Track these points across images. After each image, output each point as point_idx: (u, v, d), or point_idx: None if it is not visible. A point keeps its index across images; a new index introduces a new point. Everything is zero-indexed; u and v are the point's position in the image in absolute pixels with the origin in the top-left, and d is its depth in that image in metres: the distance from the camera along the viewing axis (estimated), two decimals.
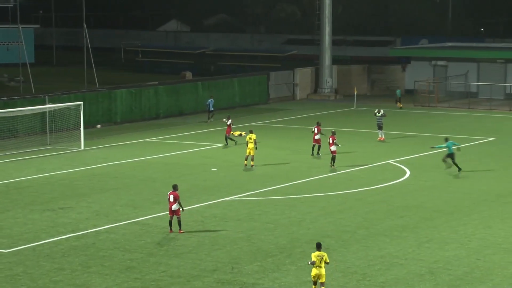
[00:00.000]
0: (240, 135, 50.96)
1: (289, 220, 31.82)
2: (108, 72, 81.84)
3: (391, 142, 49.67)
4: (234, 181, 38.63)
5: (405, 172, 40.53)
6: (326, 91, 72.16)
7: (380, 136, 49.59)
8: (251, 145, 41.60)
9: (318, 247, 23.33)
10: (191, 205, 33.74)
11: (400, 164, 42.52)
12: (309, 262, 23.25)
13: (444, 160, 40.52)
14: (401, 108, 64.48)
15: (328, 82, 72.25)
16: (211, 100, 58.52)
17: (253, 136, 41.94)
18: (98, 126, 53.57)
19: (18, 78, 72.87)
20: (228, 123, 47.83)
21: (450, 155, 40.23)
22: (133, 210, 33.20)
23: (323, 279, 23.14)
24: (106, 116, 56.63)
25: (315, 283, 23.26)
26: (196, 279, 25.08)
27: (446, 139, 41.00)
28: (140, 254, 27.35)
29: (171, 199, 29.70)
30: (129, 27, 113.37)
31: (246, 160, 41.90)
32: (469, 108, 64.92)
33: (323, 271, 23.07)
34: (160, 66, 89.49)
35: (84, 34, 67.09)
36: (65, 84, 72.13)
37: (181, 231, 29.85)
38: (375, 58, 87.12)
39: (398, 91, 66.53)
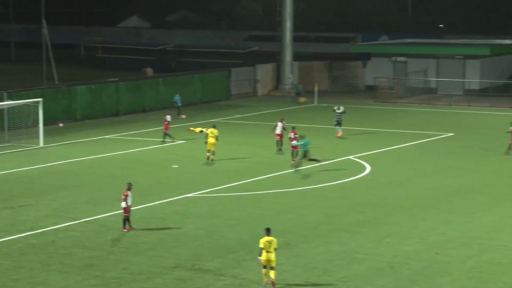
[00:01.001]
0: (201, 131, 50.85)
1: (250, 216, 31.81)
2: (68, 69, 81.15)
3: (352, 138, 49.90)
4: (196, 178, 38.52)
5: (365, 168, 40.74)
6: (287, 87, 72.27)
7: (338, 132, 49.66)
8: (212, 140, 41.70)
9: (267, 232, 23.87)
10: (152, 202, 33.59)
11: (361, 160, 42.74)
12: (259, 258, 23.89)
13: (298, 162, 39.80)
14: (303, 102, 64.76)
15: (289, 78, 72.37)
16: (178, 96, 58.27)
17: (215, 131, 42.01)
18: (61, 124, 53.00)
19: None
20: (169, 119, 47.58)
21: (305, 153, 39.71)
22: (93, 208, 32.97)
23: (273, 264, 23.71)
24: (66, 113, 56.14)
25: (265, 267, 23.80)
26: (157, 276, 24.97)
27: (302, 137, 40.39)
28: (100, 252, 27.16)
29: (123, 197, 29.59)
30: (90, 23, 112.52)
31: (208, 152, 42.04)
32: (428, 103, 65.47)
33: (272, 256, 23.64)
34: (121, 62, 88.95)
35: (43, 31, 66.46)
36: (24, 81, 71.37)
37: (125, 230, 29.51)
38: (337, 54, 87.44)
39: (299, 86, 67.03)
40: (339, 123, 49.61)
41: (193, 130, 50.74)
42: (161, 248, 27.58)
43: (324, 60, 78.73)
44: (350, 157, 43.66)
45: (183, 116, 56.81)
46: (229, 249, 27.39)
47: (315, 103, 65.07)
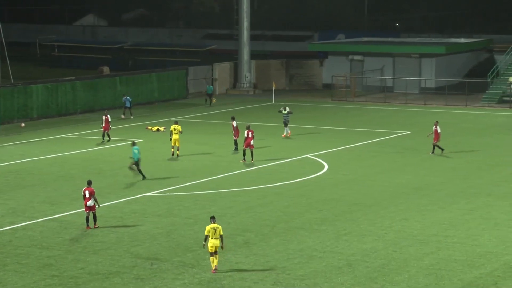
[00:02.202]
0: (158, 130, 50.73)
1: (209, 215, 31.61)
2: (24, 67, 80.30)
3: (309, 136, 50.11)
4: (154, 177, 38.39)
5: (323, 166, 40.96)
6: (245, 86, 72.33)
7: (285, 133, 49.46)
8: (175, 136, 42.47)
9: (212, 219, 25.13)
10: (110, 201, 33.41)
11: (319, 158, 42.96)
12: (204, 245, 25.16)
13: (130, 168, 37.81)
14: (214, 103, 63.72)
15: (247, 77, 72.43)
16: (127, 98, 57.33)
17: (178, 127, 42.81)
18: (22, 124, 52.37)
19: None
20: (107, 119, 47.13)
21: (136, 162, 37.41)
22: (50, 207, 32.70)
23: (215, 250, 24.94)
24: (22, 111, 55.57)
25: (212, 254, 24.86)
26: (115, 275, 24.87)
27: (133, 143, 38.13)
28: (58, 251, 26.97)
29: (87, 195, 29.46)
30: (45, 22, 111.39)
31: (173, 148, 42.64)
32: (385, 102, 66.01)
33: (218, 242, 24.88)
34: (78, 61, 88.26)
35: None
36: None
37: (96, 226, 29.59)
38: (294, 52, 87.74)
39: (209, 87, 64.98)
40: (286, 124, 49.49)
41: (150, 129, 50.61)
42: (119, 247, 27.46)
43: (281, 58, 78.94)
44: (308, 155, 43.85)
45: (122, 116, 56.45)
46: (188, 248, 27.37)
47: (273, 102, 65.21)
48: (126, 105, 57.21)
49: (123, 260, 26.17)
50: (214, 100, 64.46)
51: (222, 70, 72.65)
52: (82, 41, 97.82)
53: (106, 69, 76.33)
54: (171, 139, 42.75)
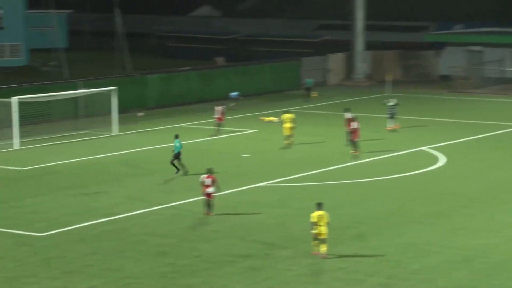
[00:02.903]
0: (270, 121, 50.91)
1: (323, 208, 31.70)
2: (141, 58, 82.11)
3: (423, 128, 49.32)
4: (267, 167, 38.62)
5: (438, 159, 40.25)
6: (359, 77, 71.81)
7: (391, 125, 48.43)
8: (288, 125, 42.65)
9: (319, 206, 25.58)
10: (223, 191, 33.81)
11: (435, 151, 42.24)
12: (311, 232, 25.54)
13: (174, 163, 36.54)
14: (314, 98, 60.95)
15: (361, 68, 71.89)
16: (235, 94, 56.91)
17: (290, 115, 43.16)
18: (141, 113, 53.56)
19: (52, 63, 73.42)
20: (222, 110, 47.06)
21: (177, 155, 36.46)
22: (165, 195, 33.35)
23: (324, 236, 25.39)
24: (138, 101, 56.81)
25: (319, 240, 25.31)
26: (229, 264, 25.15)
27: (176, 136, 36.91)
28: (173, 239, 27.48)
29: (208, 182, 29.98)
30: (161, 12, 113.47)
31: (286, 139, 42.92)
32: (505, 94, 64.25)
33: (323, 229, 25.31)
34: (192, 51, 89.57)
35: (116, 19, 67.31)
36: (98, 69, 72.49)
37: (211, 214, 30.00)
38: (408, 43, 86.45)
39: (308, 81, 62.27)
40: (392, 116, 48.37)
41: (262, 120, 50.85)
42: (233, 237, 27.76)
43: (395, 49, 77.91)
44: (423, 148, 43.18)
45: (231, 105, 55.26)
46: (301, 239, 27.39)
47: (388, 93, 64.46)
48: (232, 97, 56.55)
49: (236, 249, 26.44)
50: (315, 94, 61.90)
51: (336, 60, 72.34)
52: (197, 32, 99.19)
53: (220, 60, 77.19)
54: (283, 128, 42.99)
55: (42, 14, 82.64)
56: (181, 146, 36.92)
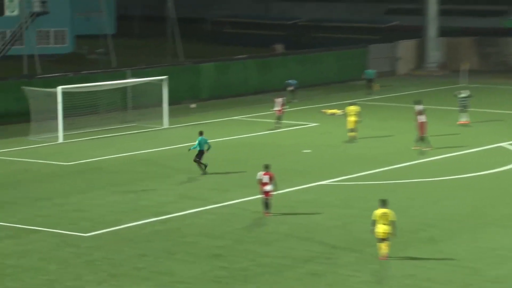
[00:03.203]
0: (333, 114, 50.75)
1: (390, 206, 31.49)
2: (194, 45, 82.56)
3: (502, 123, 48.62)
4: (328, 164, 38.52)
5: None
6: (431, 66, 71.15)
7: (462, 119, 47.52)
8: (352, 118, 42.79)
9: (383, 204, 25.48)
10: (282, 189, 33.79)
11: None
12: (371, 231, 25.66)
13: (197, 161, 36.30)
14: (377, 91, 59.35)
15: (434, 56, 71.20)
16: (293, 82, 56.39)
17: (355, 108, 43.19)
18: (193, 105, 53.89)
19: (99, 50, 74.28)
20: (281, 101, 46.95)
21: (199, 153, 36.16)
22: (219, 194, 33.47)
23: (385, 236, 25.38)
24: (191, 92, 57.14)
25: (381, 240, 25.34)
26: (287, 269, 25.12)
27: (200, 133, 36.68)
28: (227, 241, 27.56)
29: (266, 179, 29.97)
30: None
31: (350, 132, 42.98)
32: None
33: (386, 228, 25.27)
34: (249, 38, 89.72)
35: (169, 4, 67.72)
36: (148, 57, 73.15)
37: (270, 214, 30.01)
38: (486, 29, 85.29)
39: (369, 72, 60.05)
40: (464, 109, 47.48)
41: (325, 112, 50.74)
42: (292, 239, 27.72)
43: (472, 36, 76.94)
44: (502, 144, 42.59)
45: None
46: (366, 242, 27.21)
47: (464, 84, 63.69)
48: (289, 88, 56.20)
49: (295, 253, 26.40)
50: (377, 86, 60.28)
51: (406, 48, 71.79)
52: (255, 17, 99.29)
53: (279, 47, 77.19)
54: (347, 121, 42.84)
55: None
56: (202, 144, 36.01)
